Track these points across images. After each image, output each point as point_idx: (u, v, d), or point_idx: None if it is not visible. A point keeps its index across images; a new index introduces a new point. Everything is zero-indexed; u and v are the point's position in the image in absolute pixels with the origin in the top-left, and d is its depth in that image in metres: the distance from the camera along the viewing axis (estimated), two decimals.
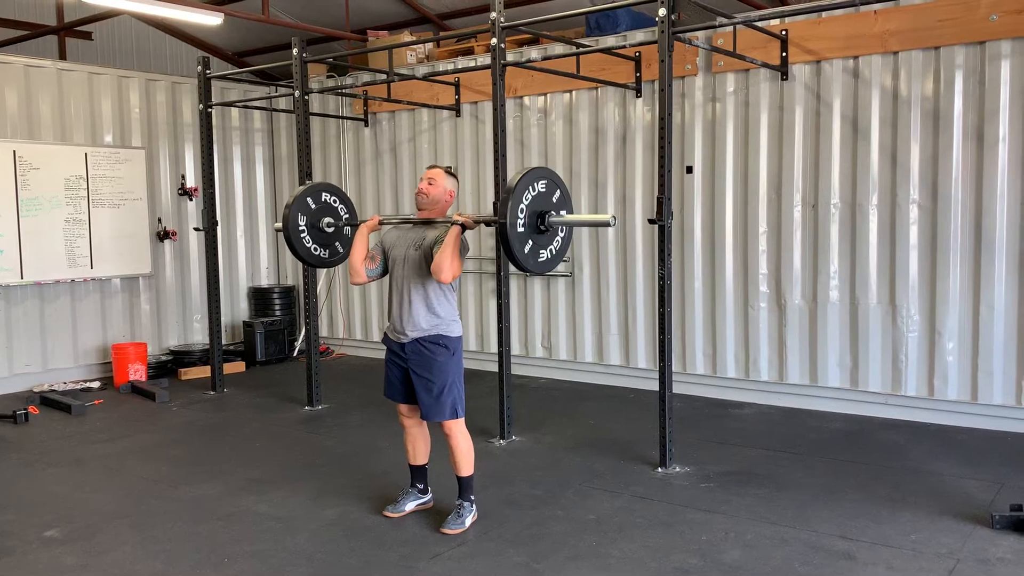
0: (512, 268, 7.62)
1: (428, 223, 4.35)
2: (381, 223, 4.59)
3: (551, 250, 4.32)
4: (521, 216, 4.07)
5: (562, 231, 4.36)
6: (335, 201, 5.23)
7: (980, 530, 4.17)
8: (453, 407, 4.30)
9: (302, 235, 5.10)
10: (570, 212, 4.34)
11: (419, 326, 4.25)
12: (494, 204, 5.79)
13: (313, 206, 5.12)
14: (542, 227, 4.18)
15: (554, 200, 4.24)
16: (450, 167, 4.58)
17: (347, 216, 5.27)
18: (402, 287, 4.28)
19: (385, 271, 4.47)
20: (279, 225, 5.17)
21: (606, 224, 4.31)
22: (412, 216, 4.54)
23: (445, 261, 4.08)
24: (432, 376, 4.26)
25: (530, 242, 4.15)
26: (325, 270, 9.37)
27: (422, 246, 4.26)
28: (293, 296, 9.70)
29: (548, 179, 4.22)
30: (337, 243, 5.28)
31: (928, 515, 4.38)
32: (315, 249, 5.20)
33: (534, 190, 4.13)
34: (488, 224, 4.34)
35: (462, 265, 4.20)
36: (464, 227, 4.15)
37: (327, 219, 5.16)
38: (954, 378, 6.03)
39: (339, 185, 9.30)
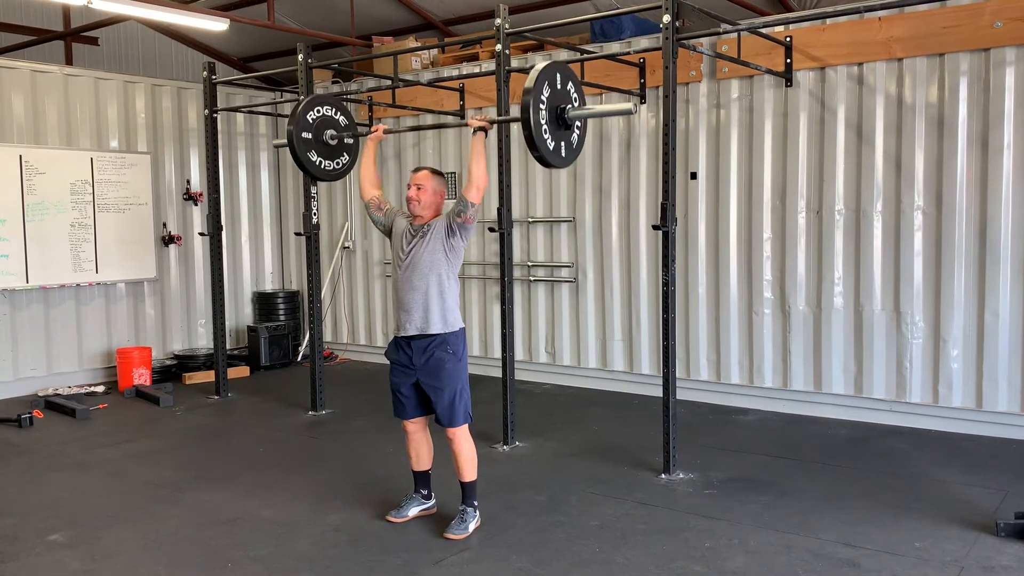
0: (517, 273, 7.65)
1: (439, 126, 4.42)
2: (387, 132, 4.63)
3: (572, 141, 4.35)
4: (542, 115, 4.09)
5: (580, 124, 4.38)
6: (333, 112, 5.22)
7: (985, 538, 4.15)
8: (465, 412, 4.34)
9: (308, 151, 5.09)
10: (582, 99, 4.38)
11: (431, 319, 4.25)
12: (498, 210, 5.80)
13: (313, 120, 5.11)
14: (562, 122, 4.20)
15: (569, 92, 4.26)
16: (434, 167, 4.59)
17: (346, 124, 5.25)
18: (408, 283, 4.28)
19: (381, 227, 4.51)
20: (281, 141, 5.16)
21: (627, 112, 4.33)
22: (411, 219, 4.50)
23: (478, 169, 4.16)
24: (442, 384, 4.27)
25: (553, 138, 4.17)
26: (330, 276, 9.39)
27: (430, 231, 4.28)
28: (297, 301, 9.72)
29: (560, 72, 4.23)
30: (344, 153, 5.27)
31: (932, 522, 4.37)
32: (322, 163, 5.19)
33: (551, 86, 4.14)
34: (510, 123, 4.41)
35: (488, 176, 4.23)
36: (485, 131, 4.20)
37: (329, 131, 5.15)
38: (959, 385, 6.02)
39: (343, 191, 9.34)
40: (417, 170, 4.42)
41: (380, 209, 4.52)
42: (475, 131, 4.25)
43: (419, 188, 4.34)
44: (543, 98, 4.11)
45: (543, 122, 4.10)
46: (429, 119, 8.55)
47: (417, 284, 4.26)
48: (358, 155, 4.71)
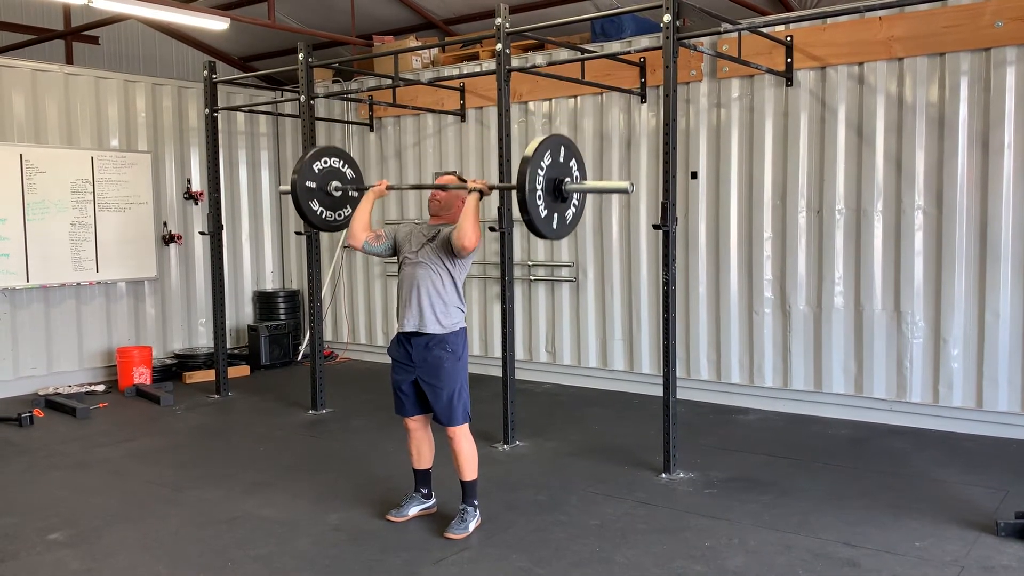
0: (517, 273, 7.65)
1: (440, 188, 4.39)
2: (389, 188, 4.63)
3: (570, 212, 4.33)
4: (539, 181, 4.07)
5: (577, 197, 4.37)
6: (342, 164, 5.22)
7: (985, 537, 4.15)
8: (464, 411, 4.35)
9: (310, 200, 5.08)
10: (584, 176, 4.37)
11: (429, 320, 4.25)
12: (499, 210, 5.80)
13: (319, 170, 5.11)
14: (559, 194, 4.19)
15: (567, 164, 4.25)
16: (459, 173, 4.61)
17: (353, 178, 5.26)
18: (413, 281, 4.29)
19: (386, 252, 4.50)
20: (285, 188, 5.15)
21: (623, 191, 4.32)
22: (424, 223, 4.54)
23: (468, 226, 4.11)
24: (440, 383, 4.28)
25: (547, 208, 4.16)
26: (330, 276, 9.40)
27: (437, 238, 4.29)
28: (298, 300, 9.72)
29: (564, 147, 4.22)
30: (347, 206, 5.27)
31: (933, 522, 4.37)
32: (322, 213, 5.19)
33: (549, 159, 4.13)
34: (505, 191, 4.36)
35: (480, 233, 4.22)
36: (481, 193, 4.18)
37: (334, 183, 5.15)
38: (959, 385, 6.02)
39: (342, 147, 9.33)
40: (444, 173, 4.48)
41: (377, 240, 4.49)
42: (471, 191, 4.21)
43: (444, 188, 4.41)
44: (543, 165, 4.11)
45: (539, 188, 4.08)
46: (430, 118, 8.55)
47: (422, 281, 4.27)
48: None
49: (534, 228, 4.13)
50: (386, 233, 4.51)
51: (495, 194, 5.97)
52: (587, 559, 4.01)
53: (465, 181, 4.49)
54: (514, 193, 4.13)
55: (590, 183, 4.41)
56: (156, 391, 7.60)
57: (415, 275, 4.29)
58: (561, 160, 4.22)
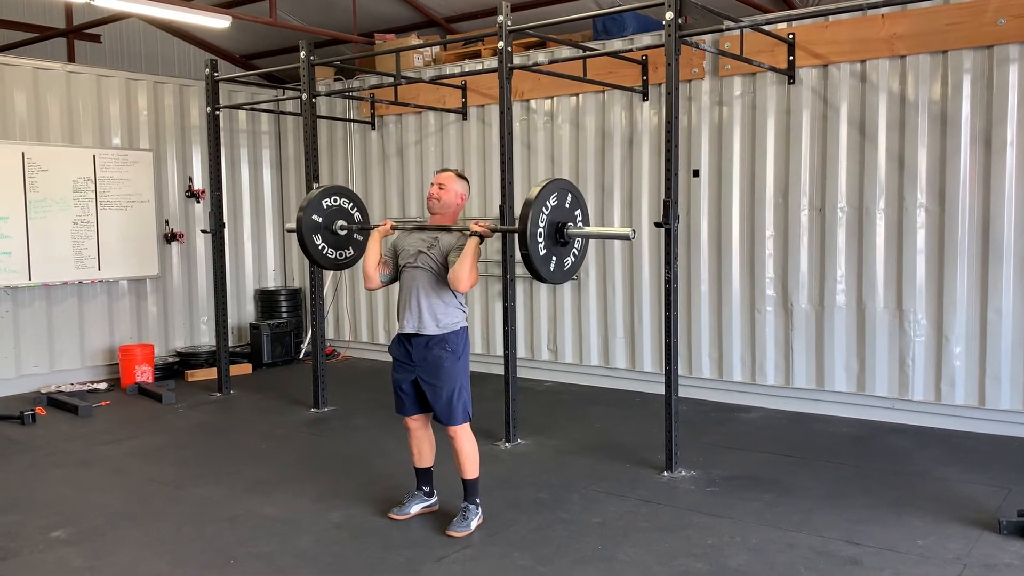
0: (519, 271, 7.64)
1: (443, 229, 4.36)
2: (394, 228, 4.61)
3: (569, 260, 4.34)
4: (540, 227, 4.08)
5: (578, 247, 4.38)
6: (348, 204, 5.23)
7: (987, 535, 4.15)
8: (464, 411, 4.34)
9: (315, 238, 5.10)
10: (587, 223, 4.37)
11: (428, 322, 4.25)
12: (500, 207, 5.79)
13: (326, 209, 5.12)
14: (560, 239, 4.20)
15: (572, 211, 4.26)
16: (458, 170, 4.60)
17: (359, 218, 5.28)
18: (412, 284, 4.29)
19: (396, 276, 4.48)
20: (291, 226, 5.17)
21: (625, 238, 4.33)
22: (424, 221, 4.55)
23: (464, 272, 4.10)
24: (440, 382, 4.27)
25: (550, 254, 4.17)
26: (332, 274, 9.39)
27: (435, 246, 4.29)
28: (300, 298, 9.72)
29: (567, 191, 4.24)
30: (350, 246, 5.29)
31: (935, 520, 4.36)
32: (328, 251, 5.20)
33: (553, 202, 4.14)
34: (506, 233, 4.35)
35: (478, 275, 4.22)
36: (481, 237, 4.16)
37: (340, 222, 5.17)
38: (961, 383, 6.01)
39: (350, 188, 9.33)
40: (442, 171, 4.47)
41: (386, 268, 4.48)
42: (472, 234, 4.18)
43: (441, 187, 4.38)
44: (548, 205, 4.11)
45: (540, 237, 4.08)
46: (431, 116, 8.55)
47: (421, 284, 4.27)
48: (362, 252, 4.74)
49: (531, 266, 4.12)
50: (388, 255, 4.49)
51: (497, 192, 5.96)
52: (589, 557, 4.01)
53: (464, 178, 4.49)
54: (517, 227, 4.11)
55: (591, 228, 4.42)
56: (158, 389, 7.61)
57: (414, 277, 4.29)
58: (567, 207, 4.23)
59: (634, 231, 4.36)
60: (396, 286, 4.48)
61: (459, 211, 4.46)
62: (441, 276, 4.26)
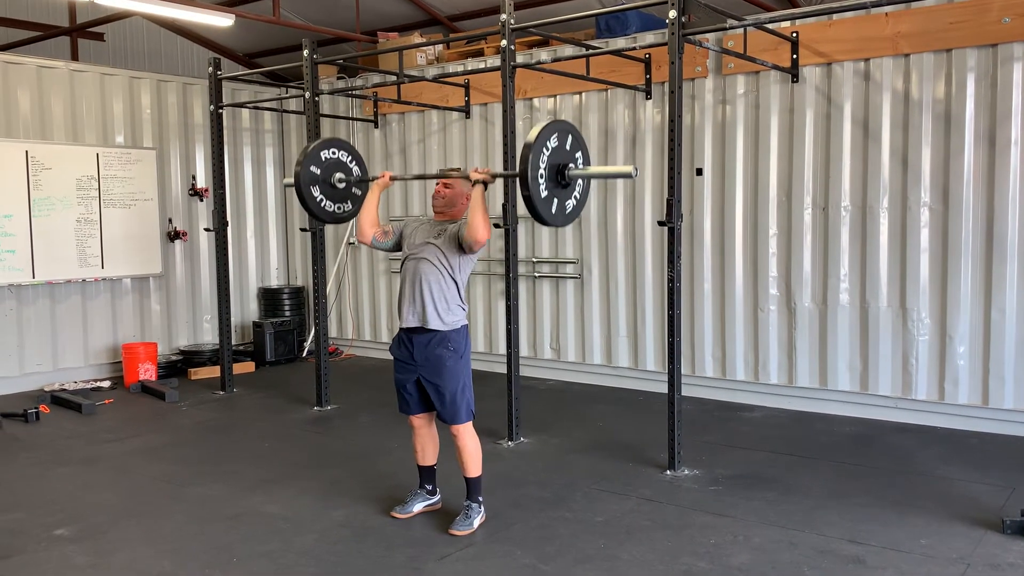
0: (521, 269, 7.65)
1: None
2: (393, 179, 4.62)
3: (571, 202, 4.32)
4: (542, 168, 4.06)
5: (580, 189, 4.36)
6: (347, 158, 5.21)
7: (991, 535, 4.14)
8: (468, 409, 4.34)
9: (313, 190, 5.07)
10: (588, 163, 4.34)
11: (431, 316, 4.25)
12: (503, 205, 5.79)
13: (324, 161, 5.09)
14: (562, 180, 4.18)
15: (573, 153, 4.24)
16: (459, 168, 4.59)
17: (358, 172, 5.25)
18: (416, 277, 4.28)
19: (393, 247, 4.50)
20: (289, 181, 5.14)
21: (627, 175, 4.30)
22: (429, 218, 4.54)
23: (477, 219, 4.12)
24: (443, 382, 4.27)
25: (551, 194, 4.15)
26: (335, 272, 9.41)
27: (443, 235, 4.29)
28: (303, 297, 9.73)
29: (567, 132, 4.20)
30: (348, 200, 5.26)
31: (938, 520, 4.36)
32: (326, 204, 5.17)
33: (553, 143, 4.11)
34: (509, 179, 4.33)
35: (491, 229, 4.21)
36: (485, 184, 4.18)
37: (338, 175, 5.14)
38: (965, 382, 6.00)
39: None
40: (448, 170, 4.46)
41: (384, 236, 4.50)
42: (474, 183, 4.20)
43: (447, 185, 4.40)
44: (548, 146, 4.09)
45: (541, 179, 4.06)
46: (434, 115, 8.55)
47: (424, 276, 4.26)
48: (360, 205, 4.72)
49: (533, 208, 4.11)
50: (393, 229, 4.52)
51: (499, 189, 5.96)
52: (592, 556, 4.01)
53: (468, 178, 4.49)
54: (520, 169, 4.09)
55: (593, 168, 4.38)
56: (161, 387, 7.62)
57: (418, 270, 4.29)
58: (568, 148, 4.20)
59: (636, 168, 4.32)
60: (395, 282, 4.48)
61: (464, 210, 4.46)
62: (447, 268, 4.25)
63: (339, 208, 5.23)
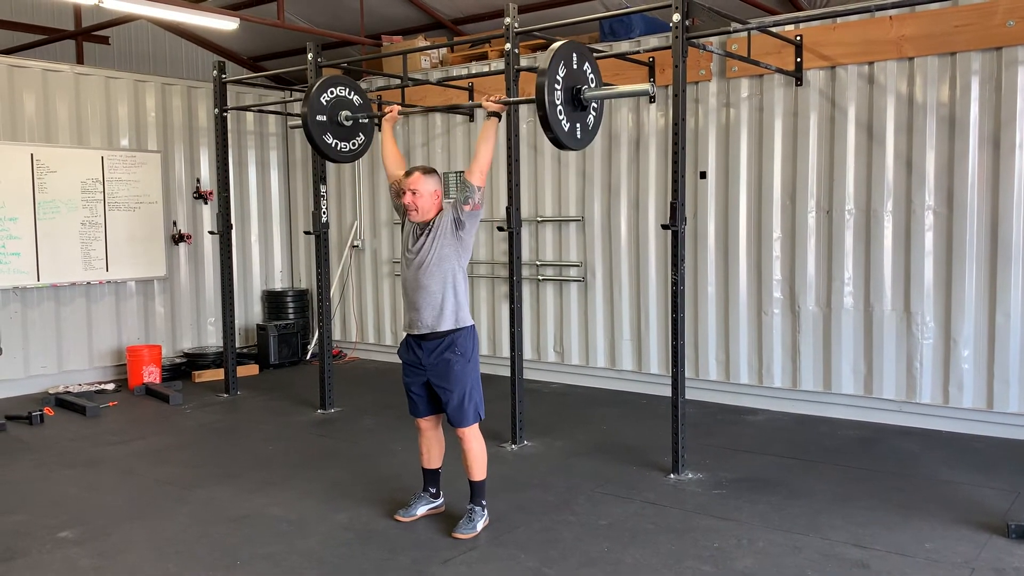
0: (525, 272, 7.65)
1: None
2: (401, 112, 4.62)
3: (590, 119, 4.30)
4: (557, 93, 4.05)
5: (596, 105, 4.34)
6: (348, 92, 5.21)
7: (996, 539, 4.13)
8: (475, 412, 4.34)
9: (326, 138, 5.07)
10: (597, 77, 4.33)
11: (434, 319, 4.24)
12: (507, 209, 5.79)
13: (326, 105, 5.09)
14: (578, 103, 4.17)
15: (584, 71, 4.22)
16: (423, 166, 4.44)
17: (359, 101, 5.24)
18: (415, 281, 4.26)
19: (401, 217, 4.44)
20: (296, 123, 5.16)
21: (644, 93, 4.29)
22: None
23: (486, 149, 4.14)
24: (451, 385, 4.27)
25: (568, 120, 4.14)
26: (339, 275, 9.41)
27: (434, 227, 4.23)
28: (307, 299, 9.74)
29: (577, 52, 4.19)
30: (359, 134, 5.25)
31: (943, 524, 4.35)
32: (340, 146, 5.17)
33: (564, 68, 4.10)
34: (524, 103, 4.32)
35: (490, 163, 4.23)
36: (498, 116, 4.19)
37: (344, 112, 5.13)
38: (969, 386, 5.99)
39: (352, 190, 9.36)
40: (408, 173, 4.26)
41: (399, 196, 4.37)
42: (489, 115, 4.23)
43: (415, 194, 4.22)
44: (559, 78, 4.06)
45: (558, 102, 4.04)
46: (438, 118, 8.55)
47: (425, 282, 4.25)
48: (372, 135, 4.73)
49: (559, 142, 4.12)
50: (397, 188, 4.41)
51: (502, 191, 5.96)
52: (596, 559, 4.01)
53: (432, 171, 4.32)
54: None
55: (608, 89, 4.37)
56: (165, 390, 7.62)
57: (418, 277, 4.26)
58: (575, 67, 4.18)
59: (652, 86, 4.30)
60: (399, 287, 4.47)
61: (440, 204, 4.31)
62: (444, 263, 4.21)
63: (353, 145, 5.22)
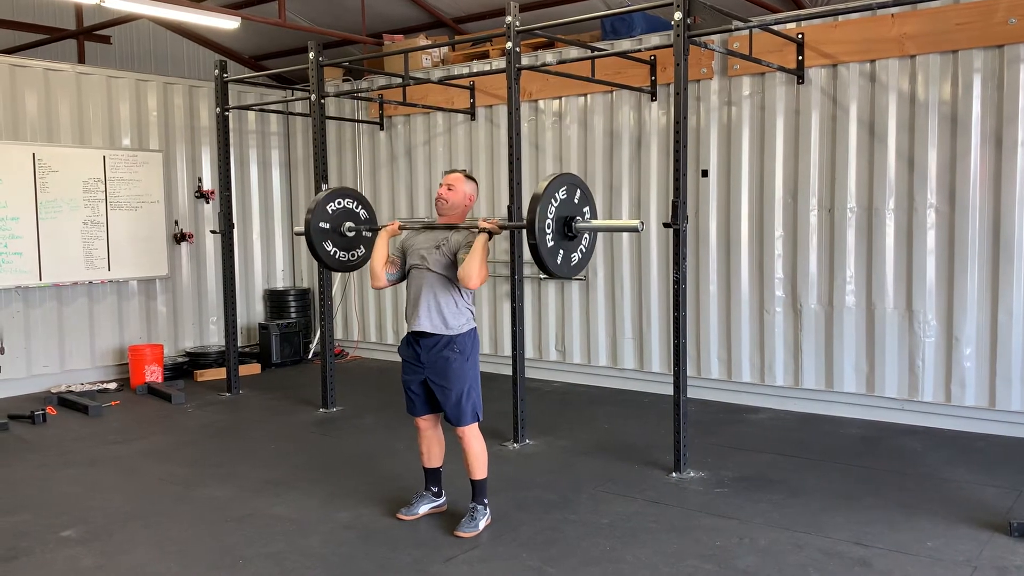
0: (527, 271, 7.65)
1: (450, 228, 4.35)
2: (401, 228, 4.60)
3: (576, 255, 4.34)
4: (549, 219, 4.08)
5: (587, 239, 4.38)
6: (353, 204, 5.25)
7: (998, 538, 4.13)
8: (474, 412, 4.34)
9: (325, 245, 5.11)
10: (595, 217, 4.37)
11: (436, 322, 4.26)
12: (508, 208, 5.79)
13: (331, 213, 5.14)
14: (569, 233, 4.20)
15: (581, 207, 4.27)
16: (465, 170, 4.59)
17: (365, 215, 5.29)
18: (420, 284, 4.29)
19: (404, 276, 4.47)
20: (300, 229, 5.20)
21: (633, 230, 4.33)
22: (433, 220, 4.56)
23: (474, 268, 4.11)
24: (449, 383, 4.27)
25: (558, 247, 4.18)
26: (340, 274, 9.40)
27: (444, 246, 4.29)
28: (308, 299, 9.74)
29: (575, 186, 4.24)
30: (360, 246, 5.30)
31: (945, 522, 4.34)
32: (339, 255, 5.22)
33: (560, 196, 4.15)
34: (515, 230, 4.36)
35: (488, 272, 4.22)
36: (491, 233, 4.17)
37: (348, 224, 5.18)
38: (971, 384, 5.98)
39: (355, 188, 9.35)
40: (450, 171, 4.47)
41: (394, 267, 4.45)
42: (481, 231, 4.19)
43: (450, 188, 4.38)
44: (555, 199, 4.12)
45: (548, 230, 4.10)
46: (439, 116, 8.55)
47: (429, 284, 4.27)
48: (372, 248, 4.77)
49: (539, 258, 4.13)
50: (396, 255, 4.47)
51: (504, 192, 5.96)
52: (597, 558, 4.01)
53: (473, 179, 4.49)
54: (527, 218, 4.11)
55: (600, 222, 4.45)
56: (167, 389, 7.63)
57: (423, 278, 4.29)
58: (575, 202, 4.24)
59: (642, 223, 4.36)
60: (403, 285, 4.48)
61: (467, 212, 4.47)
62: (450, 276, 4.26)
63: (352, 256, 5.28)
